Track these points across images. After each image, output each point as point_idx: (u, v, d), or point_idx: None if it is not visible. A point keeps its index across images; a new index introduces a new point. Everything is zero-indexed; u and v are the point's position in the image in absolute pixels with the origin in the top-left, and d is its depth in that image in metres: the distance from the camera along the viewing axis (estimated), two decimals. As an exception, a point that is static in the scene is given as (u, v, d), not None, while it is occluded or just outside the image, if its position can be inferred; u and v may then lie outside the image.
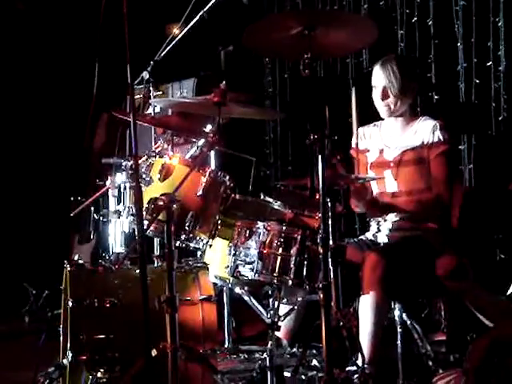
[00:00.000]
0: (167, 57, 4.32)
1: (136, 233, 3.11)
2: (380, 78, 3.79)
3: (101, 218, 3.57)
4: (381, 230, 3.82)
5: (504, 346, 2.31)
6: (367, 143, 3.98)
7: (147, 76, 4.35)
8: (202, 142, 3.33)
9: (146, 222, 2.95)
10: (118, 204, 3.42)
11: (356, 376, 3.12)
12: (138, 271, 3.17)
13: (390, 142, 3.88)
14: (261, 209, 3.41)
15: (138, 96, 4.63)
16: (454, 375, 2.78)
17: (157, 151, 3.37)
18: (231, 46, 4.75)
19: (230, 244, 3.22)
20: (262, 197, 3.50)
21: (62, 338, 3.39)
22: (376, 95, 3.82)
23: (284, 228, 3.18)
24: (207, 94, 3.48)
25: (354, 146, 3.97)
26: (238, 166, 4.46)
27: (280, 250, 3.14)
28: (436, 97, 4.62)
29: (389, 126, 3.92)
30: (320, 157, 2.83)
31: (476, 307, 2.74)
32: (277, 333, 3.34)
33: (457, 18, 4.52)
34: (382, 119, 3.96)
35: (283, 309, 3.39)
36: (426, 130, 3.76)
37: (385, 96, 3.79)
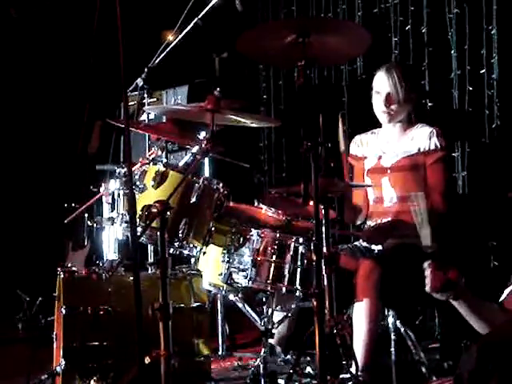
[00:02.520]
0: (162, 63, 4.32)
1: (129, 240, 3.12)
2: (385, 84, 3.80)
3: (94, 225, 3.56)
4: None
5: (497, 351, 2.31)
6: (364, 150, 3.99)
7: (141, 83, 4.35)
8: (195, 148, 3.33)
9: (139, 229, 2.95)
10: (112, 211, 3.41)
11: (350, 383, 3.12)
12: (131, 278, 3.17)
13: (387, 148, 3.90)
14: (255, 216, 3.41)
15: (133, 103, 4.63)
16: (448, 383, 2.78)
17: (151, 158, 3.37)
18: (226, 52, 4.75)
19: (224, 251, 3.22)
20: (255, 204, 3.50)
21: (55, 345, 3.39)
22: (378, 101, 3.83)
23: (278, 235, 3.19)
24: (200, 100, 3.48)
25: (351, 153, 3.99)
26: (232, 173, 4.46)
27: (274, 257, 3.15)
28: (430, 104, 4.63)
29: (386, 133, 3.93)
30: (313, 164, 2.83)
31: (467, 314, 2.73)
32: (270, 340, 3.34)
33: (450, 26, 4.53)
34: (376, 127, 3.97)
35: (277, 316, 3.39)
36: (422, 137, 3.78)
37: (388, 102, 3.80)
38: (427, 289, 2.68)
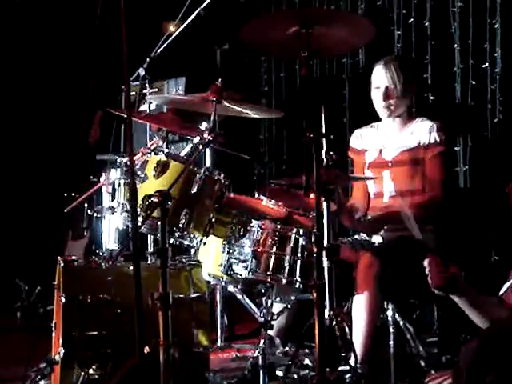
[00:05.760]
0: (163, 54, 4.31)
1: (130, 229, 3.11)
2: (383, 78, 3.78)
3: (95, 215, 3.55)
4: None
5: (496, 346, 2.31)
6: (364, 144, 3.99)
7: (143, 73, 4.34)
8: (197, 139, 3.33)
9: (140, 219, 2.95)
10: (112, 200, 3.41)
11: (348, 376, 3.12)
12: (131, 268, 3.17)
13: (387, 142, 3.89)
14: (255, 207, 3.41)
15: (134, 93, 4.63)
16: (446, 376, 2.78)
17: (152, 148, 3.36)
18: (227, 44, 4.75)
19: (224, 242, 3.22)
20: (256, 195, 3.50)
21: (54, 334, 3.39)
22: (377, 95, 3.82)
23: (278, 227, 3.18)
24: (198, 91, 3.48)
25: (351, 146, 3.99)
26: (233, 165, 4.46)
27: (274, 248, 3.14)
28: (432, 98, 4.62)
29: (386, 127, 3.92)
30: (315, 156, 2.82)
31: (467, 308, 2.73)
32: (269, 331, 3.34)
33: (454, 20, 4.52)
34: (377, 120, 3.96)
35: (276, 307, 3.39)
36: (422, 131, 3.77)
37: (387, 96, 3.79)
38: (431, 285, 2.68)
